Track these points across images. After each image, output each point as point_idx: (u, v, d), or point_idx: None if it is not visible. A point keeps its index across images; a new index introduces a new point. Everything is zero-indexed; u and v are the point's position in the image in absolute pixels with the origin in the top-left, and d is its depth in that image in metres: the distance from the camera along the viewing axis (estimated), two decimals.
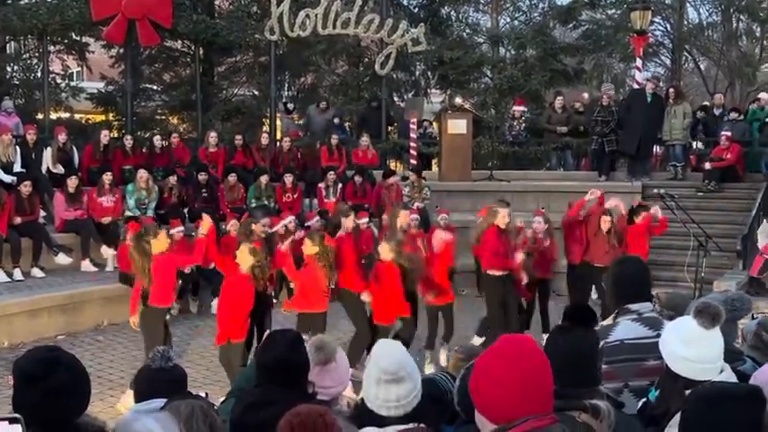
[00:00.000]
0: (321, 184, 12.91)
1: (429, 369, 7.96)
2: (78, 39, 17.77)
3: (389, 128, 16.79)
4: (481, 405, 2.16)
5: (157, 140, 13.39)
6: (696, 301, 3.07)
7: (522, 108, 16.44)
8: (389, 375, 2.75)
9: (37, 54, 17.52)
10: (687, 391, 2.66)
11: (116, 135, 15.80)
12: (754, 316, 3.92)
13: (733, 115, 14.64)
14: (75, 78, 20.23)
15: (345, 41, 18.84)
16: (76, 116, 18.94)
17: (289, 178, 12.65)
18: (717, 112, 15.23)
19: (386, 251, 7.68)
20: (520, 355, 2.13)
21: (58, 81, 17.94)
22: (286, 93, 20.99)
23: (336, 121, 16.41)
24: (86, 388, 2.50)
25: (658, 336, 3.18)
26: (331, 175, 12.86)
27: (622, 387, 3.40)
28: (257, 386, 3.09)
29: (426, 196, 12.85)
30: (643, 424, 2.95)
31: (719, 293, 4.42)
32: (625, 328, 3.52)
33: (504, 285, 8.31)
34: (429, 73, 21.79)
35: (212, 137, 13.54)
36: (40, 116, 15.15)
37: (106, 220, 10.90)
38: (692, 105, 15.70)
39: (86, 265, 10.66)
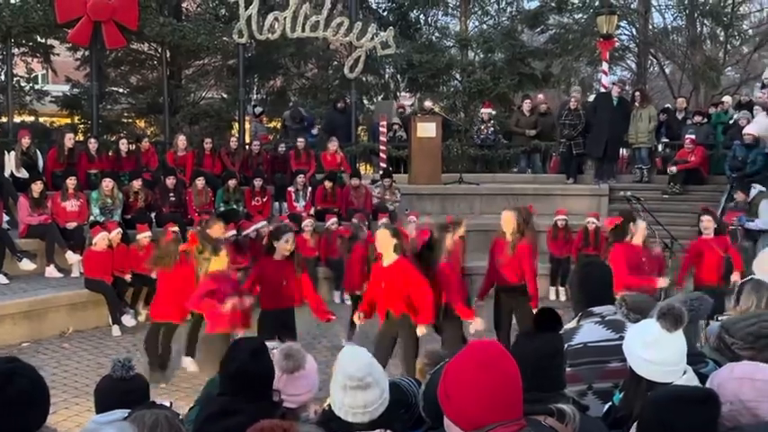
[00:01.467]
0: (290, 188, 12.87)
1: None
2: (43, 41, 17.55)
3: (359, 128, 16.83)
4: (451, 411, 2.15)
5: (123, 144, 13.25)
6: (660, 304, 3.10)
7: (489, 110, 16.54)
8: (355, 382, 2.75)
9: (0, 57, 17.25)
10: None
11: (81, 138, 15.62)
12: (718, 318, 3.98)
13: (697, 119, 14.88)
14: (39, 81, 20.01)
15: (314, 44, 18.85)
16: (41, 119, 18.71)
17: (258, 182, 12.59)
18: (680, 116, 15.45)
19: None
20: (490, 360, 2.14)
21: (23, 84, 17.72)
22: (255, 96, 20.90)
23: (306, 123, 16.39)
24: (45, 398, 2.46)
25: (621, 338, 3.22)
26: (300, 179, 12.83)
27: (586, 389, 3.43)
28: (219, 395, 3.06)
29: (396, 199, 12.90)
30: (608, 427, 2.97)
31: (682, 295, 4.49)
32: (588, 331, 3.57)
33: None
34: (398, 76, 21.87)
35: (181, 140, 13.42)
36: (3, 119, 14.91)
37: (71, 225, 10.74)
38: (657, 109, 15.92)
39: (51, 270, 10.49)
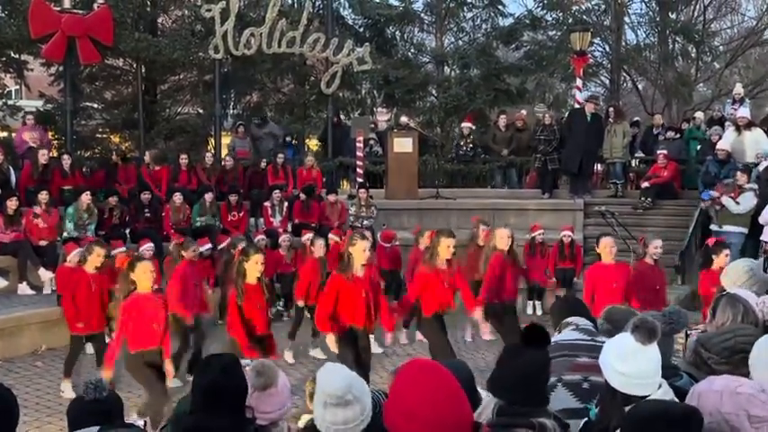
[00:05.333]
0: (267, 203, 12.82)
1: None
2: (17, 56, 17.37)
3: None
4: (427, 427, 2.15)
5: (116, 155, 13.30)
6: (634, 317, 3.12)
7: (469, 125, 16.62)
8: (335, 399, 2.73)
9: None
10: (626, 408, 2.70)
11: (55, 154, 15.46)
12: (688, 333, 4.02)
13: (669, 134, 15.07)
14: (13, 97, 19.76)
15: (291, 60, 18.83)
16: (14, 135, 18.47)
17: (233, 197, 12.53)
18: (656, 131, 15.65)
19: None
20: (439, 372, 2.21)
21: None
22: (231, 111, 20.84)
23: (288, 138, 16.39)
24: (9, 414, 2.41)
25: (593, 340, 3.56)
26: (276, 194, 12.79)
27: (556, 381, 3.58)
28: (191, 412, 3.03)
29: (372, 215, 12.88)
30: None
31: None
32: (563, 335, 3.88)
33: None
34: (375, 92, 21.92)
35: (147, 156, 13.36)
36: None
37: (44, 242, 10.62)
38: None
39: (24, 288, 10.37)
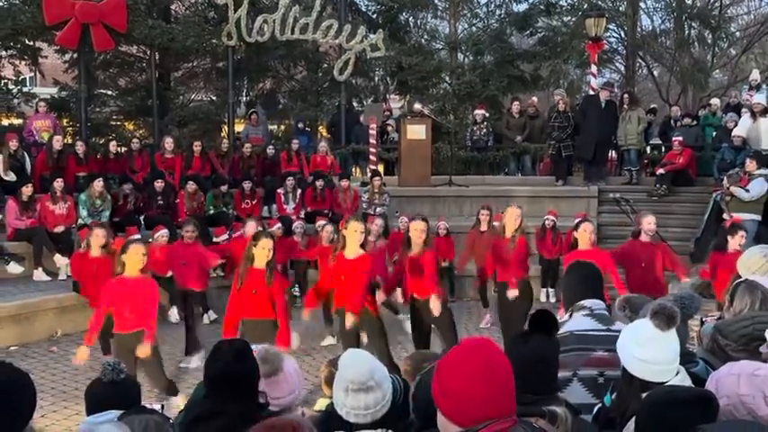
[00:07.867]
0: (280, 190, 12.84)
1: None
2: (31, 44, 17.44)
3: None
4: (449, 408, 2.14)
5: (113, 146, 13.22)
6: (652, 303, 3.10)
7: (482, 112, 16.56)
8: (357, 385, 2.75)
9: None
10: (644, 394, 2.69)
11: (70, 141, 15.53)
12: (703, 320, 3.99)
13: (686, 121, 14.95)
14: (27, 84, 19.86)
15: (304, 47, 18.81)
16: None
17: (247, 185, 12.55)
18: (674, 123, 15.53)
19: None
20: (485, 356, 2.13)
21: (10, 87, 17.58)
22: (244, 98, 20.86)
23: (300, 125, 16.38)
24: (26, 399, 2.42)
25: (608, 330, 3.41)
26: (290, 181, 12.80)
27: (571, 376, 3.48)
28: (205, 398, 3.05)
29: (385, 202, 12.87)
30: (599, 428, 2.97)
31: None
32: (576, 322, 3.69)
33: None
34: (388, 79, 21.88)
35: (168, 143, 13.38)
36: None
37: (59, 229, 10.68)
38: (645, 110, 15.97)
39: (39, 274, 10.44)
